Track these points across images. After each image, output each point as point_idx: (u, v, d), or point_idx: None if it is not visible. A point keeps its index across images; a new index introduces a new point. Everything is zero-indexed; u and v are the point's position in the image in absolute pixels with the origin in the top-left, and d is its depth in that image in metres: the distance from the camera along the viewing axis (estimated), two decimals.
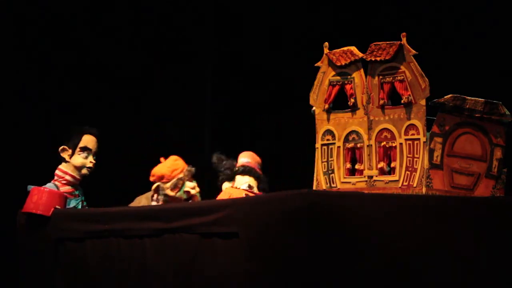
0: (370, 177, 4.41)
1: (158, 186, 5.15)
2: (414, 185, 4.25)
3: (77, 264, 4.65)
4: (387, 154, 4.39)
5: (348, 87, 4.50)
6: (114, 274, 4.52)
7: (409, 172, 4.28)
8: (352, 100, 4.48)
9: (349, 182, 4.47)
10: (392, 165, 4.37)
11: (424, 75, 4.27)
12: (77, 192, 5.15)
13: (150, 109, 7.28)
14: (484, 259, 3.94)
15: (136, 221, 4.46)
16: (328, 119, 4.58)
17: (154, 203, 5.18)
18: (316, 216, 3.88)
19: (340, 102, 4.57)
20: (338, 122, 4.54)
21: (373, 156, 4.41)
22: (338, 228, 3.88)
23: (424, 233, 3.94)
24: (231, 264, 4.08)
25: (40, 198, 4.76)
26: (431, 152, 4.24)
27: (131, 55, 7.21)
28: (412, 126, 4.30)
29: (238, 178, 5.40)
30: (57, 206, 4.77)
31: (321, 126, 4.60)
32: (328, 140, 4.57)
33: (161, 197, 5.17)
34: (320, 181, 4.57)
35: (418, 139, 4.27)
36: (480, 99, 4.27)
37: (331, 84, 4.55)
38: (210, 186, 5.67)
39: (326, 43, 4.58)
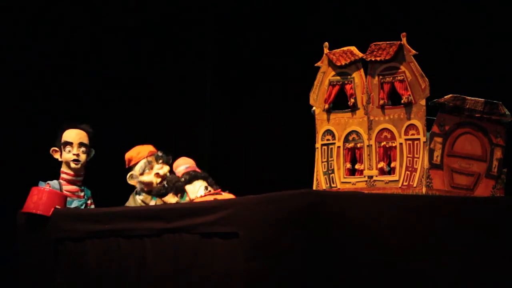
0: (370, 177, 4.41)
1: (131, 175, 5.16)
2: (414, 185, 4.25)
3: (77, 264, 4.64)
4: (387, 154, 4.39)
5: (348, 87, 4.50)
6: (114, 274, 4.52)
7: (409, 172, 4.28)
8: (352, 100, 4.48)
9: (349, 182, 4.48)
10: (392, 165, 4.37)
11: (424, 75, 4.27)
12: (81, 193, 5.13)
13: (150, 109, 7.27)
14: (484, 259, 3.95)
15: (136, 221, 4.46)
16: (328, 119, 4.58)
17: (138, 197, 5.17)
18: (316, 216, 3.88)
19: (340, 102, 4.57)
20: (338, 122, 4.54)
21: (373, 156, 4.41)
22: (338, 228, 3.88)
23: (424, 233, 3.94)
24: (231, 264, 4.08)
25: (40, 198, 4.77)
26: (431, 152, 4.24)
27: (131, 55, 7.21)
28: (412, 126, 4.30)
29: (189, 188, 4.92)
30: (57, 206, 4.77)
31: (321, 126, 4.60)
32: (328, 140, 4.58)
33: (138, 187, 5.16)
34: (320, 181, 4.57)
35: (418, 139, 4.27)
36: (480, 99, 4.27)
37: (331, 84, 4.55)
38: None
39: (326, 43, 4.58)
